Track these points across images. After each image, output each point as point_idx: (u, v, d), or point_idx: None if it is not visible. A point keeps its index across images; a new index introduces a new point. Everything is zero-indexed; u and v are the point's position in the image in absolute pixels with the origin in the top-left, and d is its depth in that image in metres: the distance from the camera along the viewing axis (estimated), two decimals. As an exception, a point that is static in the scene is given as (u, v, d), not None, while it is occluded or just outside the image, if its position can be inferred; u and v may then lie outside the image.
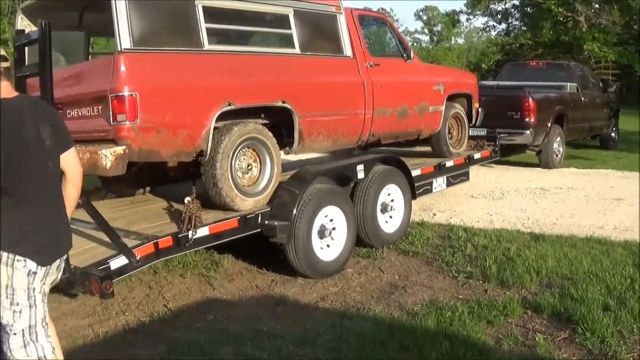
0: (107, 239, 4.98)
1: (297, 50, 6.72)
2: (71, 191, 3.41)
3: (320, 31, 7.24)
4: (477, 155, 9.99)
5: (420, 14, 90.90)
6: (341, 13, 7.35)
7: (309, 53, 6.85)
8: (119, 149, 5.07)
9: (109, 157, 5.00)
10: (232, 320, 5.27)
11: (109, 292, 4.51)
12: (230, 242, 5.91)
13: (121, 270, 4.78)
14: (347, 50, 7.39)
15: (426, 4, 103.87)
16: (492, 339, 4.83)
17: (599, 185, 11.80)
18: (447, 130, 9.32)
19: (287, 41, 6.77)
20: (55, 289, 5.63)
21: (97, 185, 7.32)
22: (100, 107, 5.22)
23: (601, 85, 17.74)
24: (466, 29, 72.80)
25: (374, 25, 8.82)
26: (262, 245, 6.31)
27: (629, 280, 5.96)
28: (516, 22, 48.66)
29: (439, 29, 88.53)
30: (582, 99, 15.42)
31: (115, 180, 6.50)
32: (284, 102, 6.31)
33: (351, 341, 4.73)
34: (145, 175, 7.02)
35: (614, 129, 18.06)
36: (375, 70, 7.71)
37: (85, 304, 5.74)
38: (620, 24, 40.23)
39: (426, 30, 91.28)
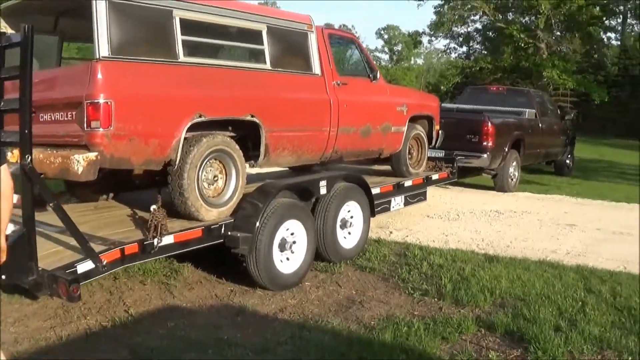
0: (73, 242, 5.08)
1: (268, 66, 6.94)
2: (3, 205, 3.38)
3: (291, 48, 7.47)
4: (435, 176, 10.31)
5: (382, 32, 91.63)
6: (312, 31, 7.59)
7: (279, 69, 7.08)
8: (92, 155, 5.22)
9: (81, 162, 5.15)
10: (193, 328, 5.42)
11: (76, 296, 4.62)
12: (190, 251, 6.06)
13: (87, 275, 4.89)
14: (316, 68, 7.64)
15: (388, 23, 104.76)
16: (447, 354, 5.06)
17: (553, 210, 12.21)
18: (407, 151, 9.61)
19: (259, 57, 7.00)
20: (18, 291, 5.76)
21: (61, 190, 7.40)
22: (74, 113, 5.35)
23: (559, 112, 18.23)
24: (427, 50, 73.60)
25: (343, 44, 9.07)
26: (222, 255, 6.47)
27: (580, 303, 6.27)
28: (477, 46, 49.37)
29: (399, 48, 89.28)
30: (540, 125, 15.87)
31: (80, 186, 6.62)
32: (252, 116, 6.51)
33: (311, 352, 4.93)
34: (109, 182, 7.12)
35: (569, 156, 18.58)
36: (342, 89, 7.96)
37: (46, 307, 5.82)
38: (581, 52, 41.20)
39: (386, 49, 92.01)
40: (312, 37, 7.60)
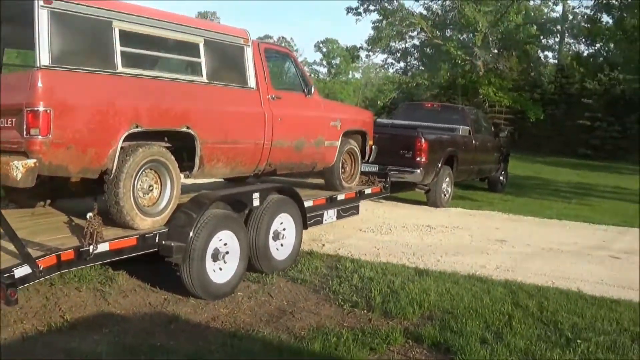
0: (11, 247, 5.26)
1: (204, 78, 7.24)
2: None
3: (227, 62, 7.80)
4: (367, 191, 10.68)
5: (321, 45, 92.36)
6: (249, 45, 7.92)
7: (215, 82, 7.38)
8: (30, 162, 5.43)
9: (19, 169, 5.35)
10: (127, 335, 5.64)
11: (13, 299, 4.80)
12: (126, 259, 6.27)
13: (24, 279, 5.05)
14: (252, 82, 7.96)
15: (327, 37, 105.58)
16: (375, 365, 5.37)
17: (484, 226, 12.77)
18: (340, 165, 9.97)
19: (196, 69, 7.30)
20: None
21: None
22: (14, 120, 5.56)
23: (493, 129, 18.89)
24: (364, 65, 74.48)
25: (278, 58, 9.43)
26: (156, 263, 6.73)
27: (507, 316, 6.64)
28: (415, 62, 50.21)
29: (338, 62, 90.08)
30: (474, 142, 16.45)
31: (18, 192, 6.79)
32: (188, 127, 6.79)
33: (242, 360, 5.22)
34: (47, 188, 7.29)
35: (503, 172, 19.21)
36: (276, 102, 8.30)
37: (-19, 310, 5.97)
38: (517, 70, 42.30)
39: (325, 63, 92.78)
40: (248, 51, 7.93)
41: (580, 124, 41.22)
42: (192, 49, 7.18)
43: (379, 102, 49.67)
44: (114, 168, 6.07)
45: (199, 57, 7.20)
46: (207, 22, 19.37)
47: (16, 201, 7.42)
